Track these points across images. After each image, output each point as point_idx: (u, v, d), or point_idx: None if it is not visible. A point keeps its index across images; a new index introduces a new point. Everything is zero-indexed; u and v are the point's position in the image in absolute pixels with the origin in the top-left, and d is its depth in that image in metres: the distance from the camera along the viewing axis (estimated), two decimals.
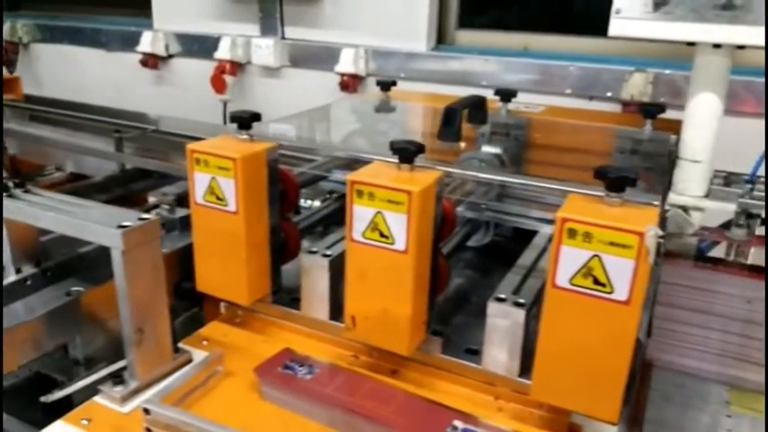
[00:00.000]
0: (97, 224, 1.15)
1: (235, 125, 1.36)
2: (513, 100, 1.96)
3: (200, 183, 1.35)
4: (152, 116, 2.97)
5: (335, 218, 1.83)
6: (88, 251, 1.50)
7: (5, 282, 1.34)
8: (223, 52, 3.60)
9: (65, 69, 4.36)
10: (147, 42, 3.85)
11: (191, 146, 1.34)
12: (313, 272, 1.38)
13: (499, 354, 1.22)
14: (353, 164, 1.73)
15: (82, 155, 2.58)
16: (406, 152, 1.19)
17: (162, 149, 2.37)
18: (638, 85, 2.76)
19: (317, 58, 3.49)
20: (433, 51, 3.27)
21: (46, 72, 4.45)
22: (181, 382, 1.19)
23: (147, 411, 1.12)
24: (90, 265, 1.51)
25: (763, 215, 1.63)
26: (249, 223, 1.34)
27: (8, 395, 1.27)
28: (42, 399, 1.23)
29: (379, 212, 1.16)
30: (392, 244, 1.16)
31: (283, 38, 3.56)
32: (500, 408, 1.23)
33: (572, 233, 1.01)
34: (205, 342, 1.43)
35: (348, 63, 3.32)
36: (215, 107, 3.74)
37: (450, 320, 1.42)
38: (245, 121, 1.36)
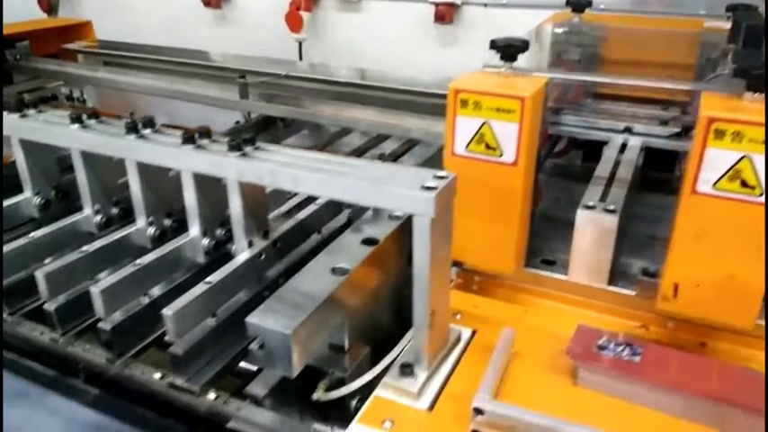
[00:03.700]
0: (399, 187, 0.91)
1: None
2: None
3: (464, 129, 1.11)
4: (215, 54, 2.68)
5: None
6: (306, 218, 1.28)
7: (239, 260, 1.12)
8: None
9: (110, 10, 3.99)
10: None
11: (455, 85, 1.10)
12: (593, 231, 1.17)
13: None
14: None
15: (170, 100, 2.31)
16: None
17: (288, 95, 2.10)
18: None
19: None
20: None
21: (89, 14, 4.08)
22: (496, 372, 0.99)
23: (479, 412, 0.92)
24: (308, 232, 1.30)
25: None
26: (527, 176, 1.11)
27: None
28: (315, 397, 1.04)
29: (745, 157, 0.93)
30: (760, 196, 0.94)
31: None
32: None
33: None
34: (458, 316, 1.22)
35: None
36: (284, 48, 3.42)
37: None
38: (514, 50, 1.11)
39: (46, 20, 2.78)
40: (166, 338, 0.99)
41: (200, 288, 1.02)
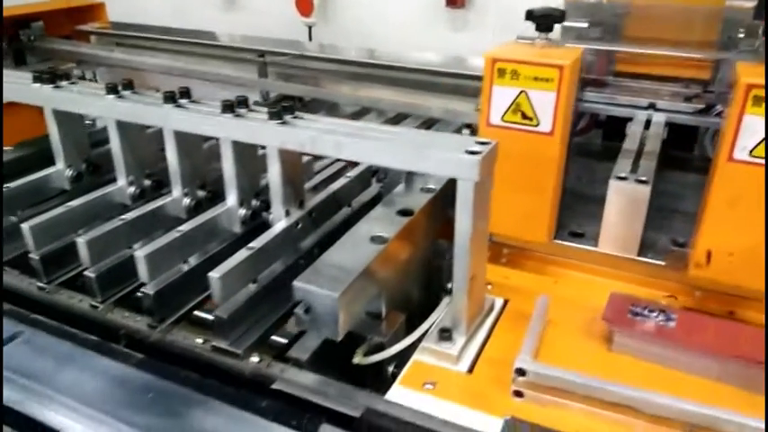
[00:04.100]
0: (444, 151, 0.93)
1: None
2: None
3: (501, 99, 1.12)
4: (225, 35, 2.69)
5: None
6: (338, 189, 1.29)
7: (278, 228, 1.13)
8: None
9: None
10: None
11: (491, 55, 1.11)
12: (625, 202, 1.18)
13: None
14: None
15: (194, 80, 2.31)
16: None
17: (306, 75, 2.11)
18: None
19: None
20: None
21: None
22: (535, 335, 1.01)
23: (521, 372, 0.94)
24: (340, 205, 1.31)
25: None
26: (562, 146, 1.13)
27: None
28: (356, 361, 1.05)
29: None
30: None
31: None
32: None
33: None
34: (490, 286, 1.24)
35: None
36: (292, 32, 3.41)
37: None
38: (551, 20, 1.12)
39: (59, 1, 2.76)
40: (211, 302, 1.01)
41: (243, 253, 1.03)
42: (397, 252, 1.09)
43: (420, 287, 1.30)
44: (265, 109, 1.09)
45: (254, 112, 1.12)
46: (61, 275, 1.22)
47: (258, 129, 1.07)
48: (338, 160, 1.56)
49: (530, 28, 1.20)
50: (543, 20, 1.12)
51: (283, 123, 1.07)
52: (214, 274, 0.97)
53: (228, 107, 1.10)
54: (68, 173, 1.36)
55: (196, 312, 1.16)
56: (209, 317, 1.15)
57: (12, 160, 1.50)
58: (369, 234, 1.07)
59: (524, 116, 1.11)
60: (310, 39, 3.41)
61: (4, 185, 1.29)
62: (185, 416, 0.90)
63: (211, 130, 1.11)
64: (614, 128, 1.69)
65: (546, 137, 1.11)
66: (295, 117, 1.10)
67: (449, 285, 1.28)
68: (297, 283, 0.93)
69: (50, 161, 1.37)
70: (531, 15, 1.12)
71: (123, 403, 0.92)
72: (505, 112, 1.12)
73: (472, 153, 0.92)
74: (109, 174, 1.41)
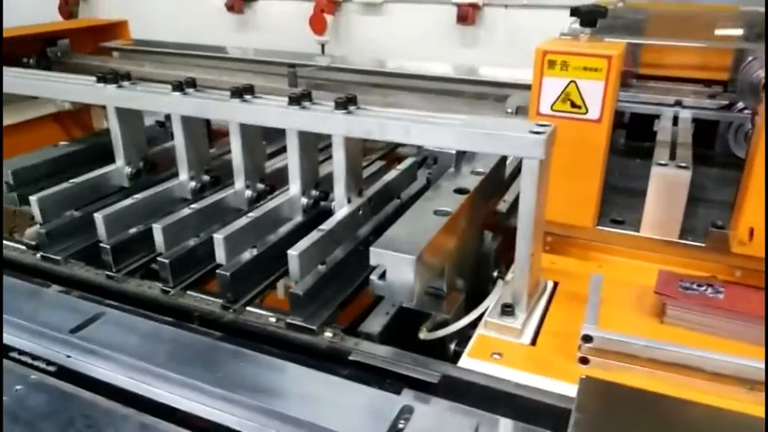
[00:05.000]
0: (511, 132, 0.99)
1: None
2: None
3: (550, 89, 1.19)
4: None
5: None
6: (391, 180, 1.35)
7: (342, 213, 1.19)
8: None
9: (130, 16, 4.06)
10: None
11: (543, 47, 1.18)
12: (667, 186, 1.25)
13: None
14: None
15: None
16: None
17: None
18: None
19: None
20: None
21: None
22: (597, 305, 1.07)
23: (587, 339, 0.99)
24: (392, 195, 1.37)
25: None
26: (609, 133, 1.20)
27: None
28: (423, 336, 1.10)
29: None
30: None
31: None
32: None
33: None
34: None
35: None
36: (305, 50, 3.52)
37: None
38: (596, 16, 1.20)
39: (83, 20, 2.85)
40: (288, 278, 1.06)
41: (315, 234, 1.09)
42: (457, 226, 1.14)
43: (470, 273, 1.35)
44: (330, 101, 1.16)
45: (318, 105, 1.18)
46: (129, 265, 1.26)
47: (326, 118, 1.13)
48: (379, 159, 1.63)
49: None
50: (588, 15, 1.19)
51: (348, 113, 1.13)
52: (293, 252, 1.03)
53: (295, 100, 1.17)
54: (128, 170, 1.42)
55: (249, 308, 1.19)
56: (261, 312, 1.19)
57: (63, 155, 1.55)
58: (432, 208, 1.12)
59: (573, 105, 1.18)
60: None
61: (69, 181, 1.34)
62: (280, 383, 0.93)
63: (281, 121, 1.17)
64: (638, 128, 1.77)
65: (594, 124, 1.18)
66: (358, 108, 1.16)
67: (495, 273, 1.35)
68: (374, 248, 0.97)
69: (102, 158, 1.43)
70: (576, 12, 1.20)
71: (216, 371, 0.95)
72: (555, 102, 1.19)
73: (537, 133, 0.99)
74: (165, 171, 1.47)
